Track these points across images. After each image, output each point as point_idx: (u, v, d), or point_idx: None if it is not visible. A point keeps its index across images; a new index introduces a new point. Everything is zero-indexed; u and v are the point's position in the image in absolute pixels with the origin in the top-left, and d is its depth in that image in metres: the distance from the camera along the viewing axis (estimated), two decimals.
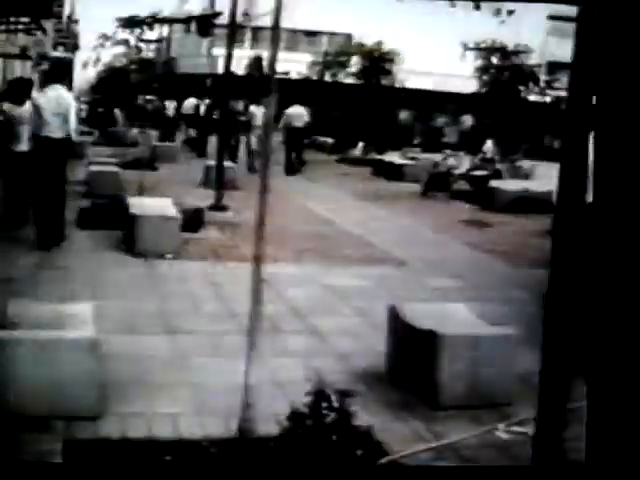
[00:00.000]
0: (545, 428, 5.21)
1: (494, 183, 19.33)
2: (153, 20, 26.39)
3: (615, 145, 4.45)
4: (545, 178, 19.81)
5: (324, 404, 4.93)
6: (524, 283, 10.19)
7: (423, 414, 5.92)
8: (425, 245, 12.92)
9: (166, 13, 32.87)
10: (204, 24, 36.54)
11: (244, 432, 5.12)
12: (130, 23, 24.47)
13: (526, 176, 23.11)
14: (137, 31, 26.29)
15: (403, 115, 39.82)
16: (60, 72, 14.11)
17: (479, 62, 30.81)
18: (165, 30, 35.11)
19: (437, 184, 19.74)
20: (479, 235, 14.09)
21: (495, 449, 5.46)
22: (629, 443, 4.22)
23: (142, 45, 44.19)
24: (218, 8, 32.43)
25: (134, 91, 38.31)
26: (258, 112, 22.89)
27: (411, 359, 6.35)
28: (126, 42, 34.47)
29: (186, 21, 37.45)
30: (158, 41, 40.84)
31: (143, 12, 27.42)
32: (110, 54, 43.15)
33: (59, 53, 42.45)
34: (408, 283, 10.14)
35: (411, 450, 5.31)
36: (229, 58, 16.14)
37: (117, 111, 36.06)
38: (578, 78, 5.09)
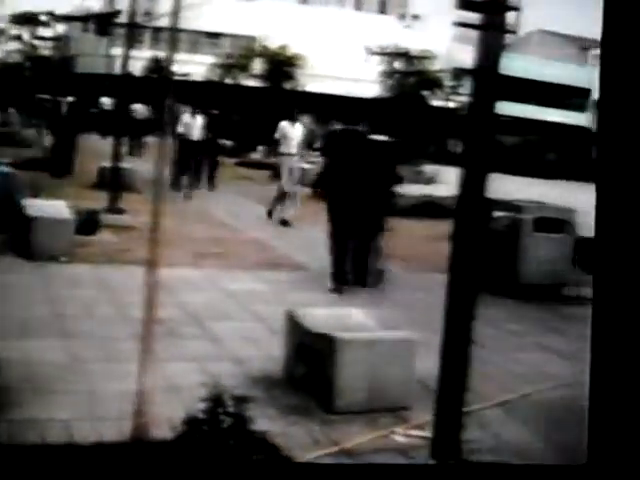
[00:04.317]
0: (443, 431, 5.24)
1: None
2: (49, 17, 25.90)
3: (615, 147, 4.49)
4: (449, 183, 20.01)
5: (220, 409, 4.85)
6: (422, 287, 10.26)
7: (320, 418, 5.90)
8: (325, 249, 12.90)
9: (65, 10, 32.25)
10: (103, 23, 35.94)
11: (137, 437, 5.01)
12: (23, 20, 23.92)
13: (428, 181, 23.27)
14: (32, 28, 25.73)
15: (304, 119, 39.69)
16: None
17: (383, 67, 30.97)
18: (63, 28, 34.19)
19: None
20: None
21: (393, 453, 5.45)
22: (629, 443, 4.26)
23: (38, 42, 43.39)
24: (119, 7, 31.81)
25: (30, 90, 37.26)
26: (293, 131, 16.44)
27: (308, 363, 6.31)
28: (19, 38, 33.66)
29: (84, 19, 36.71)
30: (56, 39, 39.94)
31: (41, 8, 26.83)
32: (3, 50, 42.03)
33: None
34: (306, 287, 10.11)
35: (309, 455, 5.27)
36: (126, 58, 15.87)
37: (12, 110, 35.05)
38: (480, 84, 5.16)
